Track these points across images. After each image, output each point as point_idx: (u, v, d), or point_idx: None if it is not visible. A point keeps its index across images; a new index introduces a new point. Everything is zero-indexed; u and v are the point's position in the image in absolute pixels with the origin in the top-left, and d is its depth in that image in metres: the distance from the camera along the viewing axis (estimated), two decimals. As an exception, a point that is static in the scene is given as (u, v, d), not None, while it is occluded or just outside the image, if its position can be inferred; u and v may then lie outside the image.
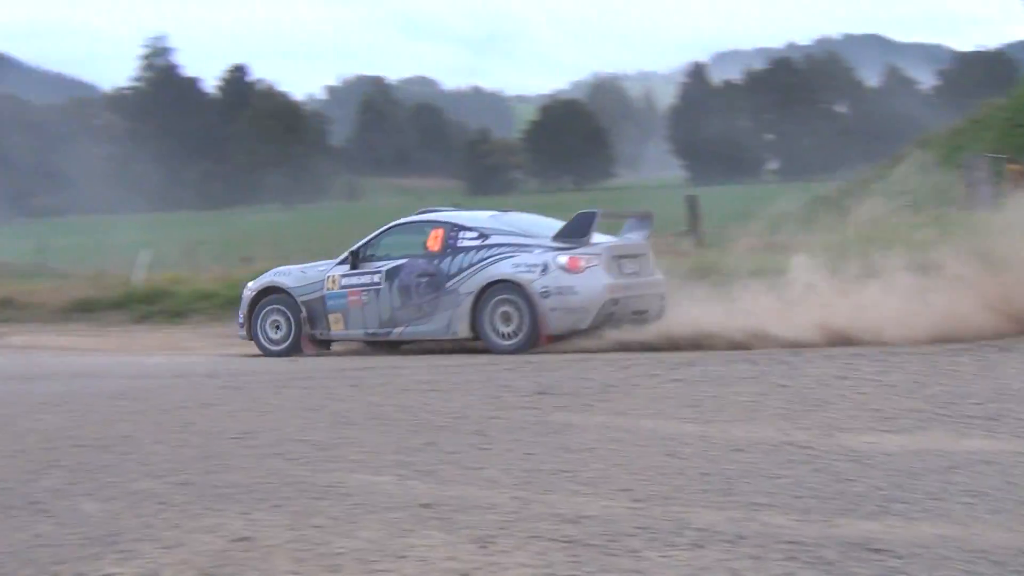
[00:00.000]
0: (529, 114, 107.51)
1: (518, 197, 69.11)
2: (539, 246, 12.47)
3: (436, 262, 12.76)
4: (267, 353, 13.32)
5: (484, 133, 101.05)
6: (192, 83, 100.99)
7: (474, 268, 12.55)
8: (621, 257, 12.75)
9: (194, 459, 6.91)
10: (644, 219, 13.65)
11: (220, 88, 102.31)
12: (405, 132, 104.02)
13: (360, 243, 13.40)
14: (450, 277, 12.63)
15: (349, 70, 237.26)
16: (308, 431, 7.56)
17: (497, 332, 12.36)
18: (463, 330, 12.57)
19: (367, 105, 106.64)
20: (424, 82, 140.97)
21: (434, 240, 12.95)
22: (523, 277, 12.23)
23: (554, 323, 12.12)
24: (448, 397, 8.62)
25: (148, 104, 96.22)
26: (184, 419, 8.26)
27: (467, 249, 12.67)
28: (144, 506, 5.93)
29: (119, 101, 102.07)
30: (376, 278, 12.98)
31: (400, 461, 6.58)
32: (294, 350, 13.21)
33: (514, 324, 12.28)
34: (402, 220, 13.76)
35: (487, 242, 12.65)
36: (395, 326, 12.95)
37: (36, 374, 12.08)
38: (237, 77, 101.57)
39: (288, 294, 13.33)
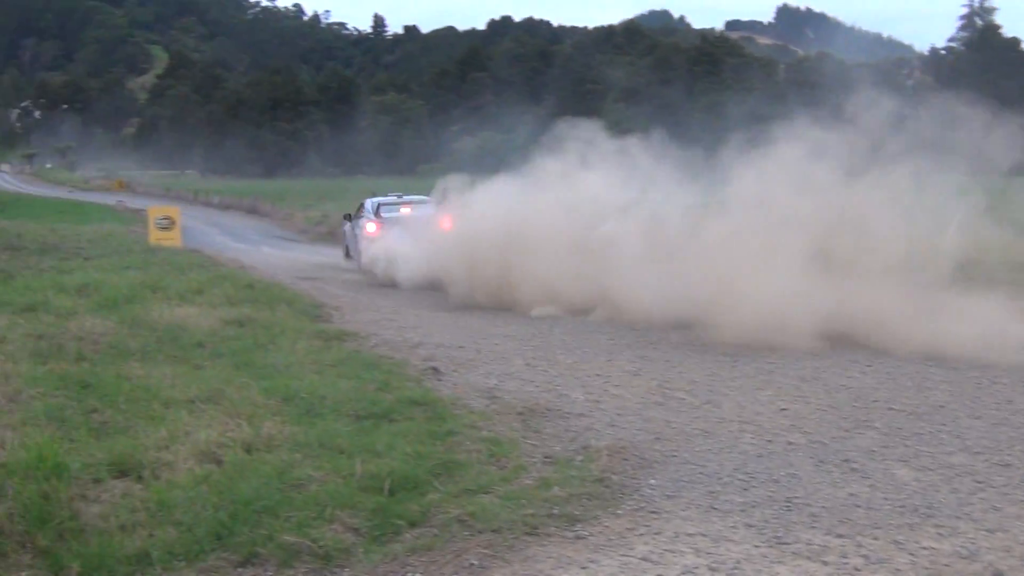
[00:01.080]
0: None
1: None
2: (370, 219, 20.94)
3: (356, 222, 21.96)
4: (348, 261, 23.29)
5: None
6: (1013, 43, 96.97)
7: (356, 227, 21.77)
8: (404, 225, 19.24)
9: (1013, 439, 6.59)
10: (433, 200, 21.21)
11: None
12: None
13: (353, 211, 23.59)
14: (355, 231, 21.85)
15: None
16: None
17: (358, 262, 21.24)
18: (357, 260, 21.39)
19: None
20: None
21: (358, 211, 22.50)
22: (359, 234, 21.14)
23: (363, 260, 20.31)
24: None
25: (962, 65, 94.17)
26: (1002, 395, 7.90)
27: (360, 217, 21.80)
28: (960, 482, 5.78)
29: (933, 61, 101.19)
30: (349, 229, 22.86)
31: None
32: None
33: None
34: (364, 200, 23.19)
35: (362, 213, 21.79)
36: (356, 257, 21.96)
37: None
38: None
39: (344, 233, 24.03)
